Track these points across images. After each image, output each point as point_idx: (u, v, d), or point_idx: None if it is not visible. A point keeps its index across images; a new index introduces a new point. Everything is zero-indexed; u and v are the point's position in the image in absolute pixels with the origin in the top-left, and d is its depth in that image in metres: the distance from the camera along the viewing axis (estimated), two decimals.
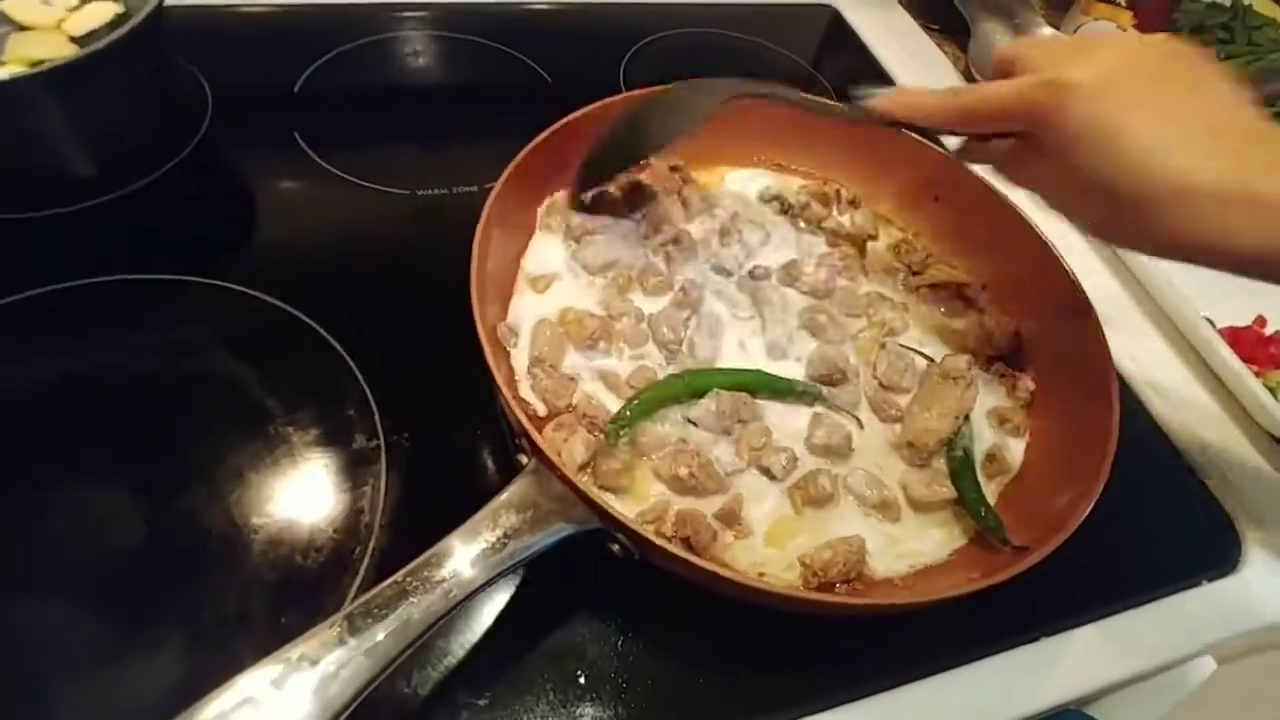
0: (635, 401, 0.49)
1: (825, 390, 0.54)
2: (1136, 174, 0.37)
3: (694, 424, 0.50)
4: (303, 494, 0.48)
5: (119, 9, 0.64)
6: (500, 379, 0.43)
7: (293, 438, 0.50)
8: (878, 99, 0.49)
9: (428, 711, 0.41)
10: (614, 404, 0.50)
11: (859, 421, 0.53)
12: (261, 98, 0.71)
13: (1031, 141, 0.43)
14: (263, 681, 0.30)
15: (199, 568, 0.44)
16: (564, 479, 0.39)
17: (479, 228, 0.49)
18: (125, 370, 0.52)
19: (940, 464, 0.52)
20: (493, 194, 0.51)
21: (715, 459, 0.48)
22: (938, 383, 0.54)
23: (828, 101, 0.59)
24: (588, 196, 0.59)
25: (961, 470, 0.50)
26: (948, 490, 0.49)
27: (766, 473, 0.49)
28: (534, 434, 0.40)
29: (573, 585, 0.47)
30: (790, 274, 0.60)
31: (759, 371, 0.53)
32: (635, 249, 0.59)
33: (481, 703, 0.42)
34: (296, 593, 0.44)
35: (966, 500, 0.49)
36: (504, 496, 0.38)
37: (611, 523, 0.39)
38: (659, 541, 0.38)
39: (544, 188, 0.60)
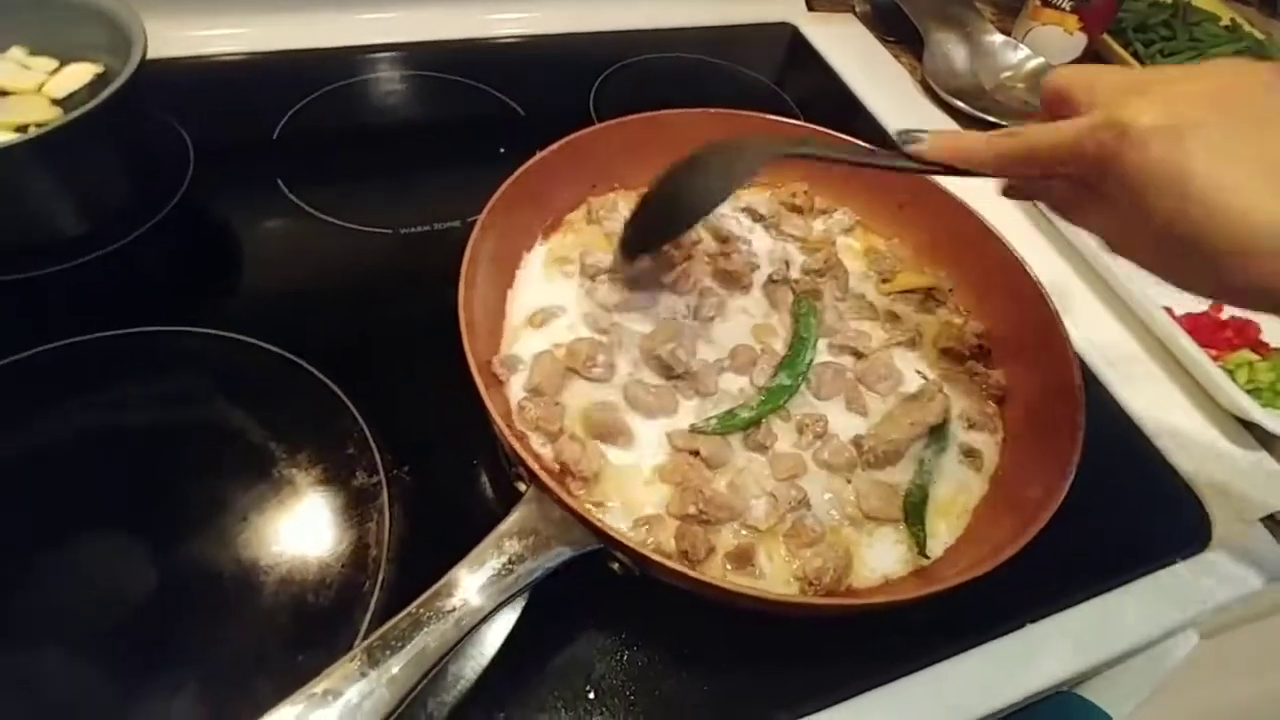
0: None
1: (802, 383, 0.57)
2: (1210, 224, 0.34)
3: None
4: (309, 533, 0.49)
5: (98, 69, 0.65)
6: (494, 410, 0.45)
7: (295, 479, 0.51)
8: (927, 145, 0.45)
9: None
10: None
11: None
12: (242, 146, 0.73)
13: (1093, 186, 0.40)
14: (304, 709, 0.32)
15: (212, 613, 0.45)
16: (562, 503, 0.41)
17: (464, 263, 0.51)
18: (125, 424, 0.53)
19: (897, 476, 0.54)
20: (475, 230, 0.53)
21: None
22: (904, 399, 0.57)
23: (873, 148, 0.54)
24: (632, 267, 0.59)
25: (915, 504, 0.52)
26: (896, 513, 0.51)
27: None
28: (530, 461, 0.42)
29: (577, 603, 0.48)
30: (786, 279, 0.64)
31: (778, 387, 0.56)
32: (650, 288, 0.60)
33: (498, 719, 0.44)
34: (310, 631, 0.45)
35: (911, 530, 0.51)
36: (505, 524, 0.40)
37: (610, 542, 0.41)
38: (657, 558, 0.40)
39: (526, 220, 0.62)
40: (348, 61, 0.81)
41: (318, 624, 0.45)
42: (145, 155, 0.69)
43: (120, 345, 0.56)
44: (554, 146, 0.60)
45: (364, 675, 0.33)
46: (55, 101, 0.63)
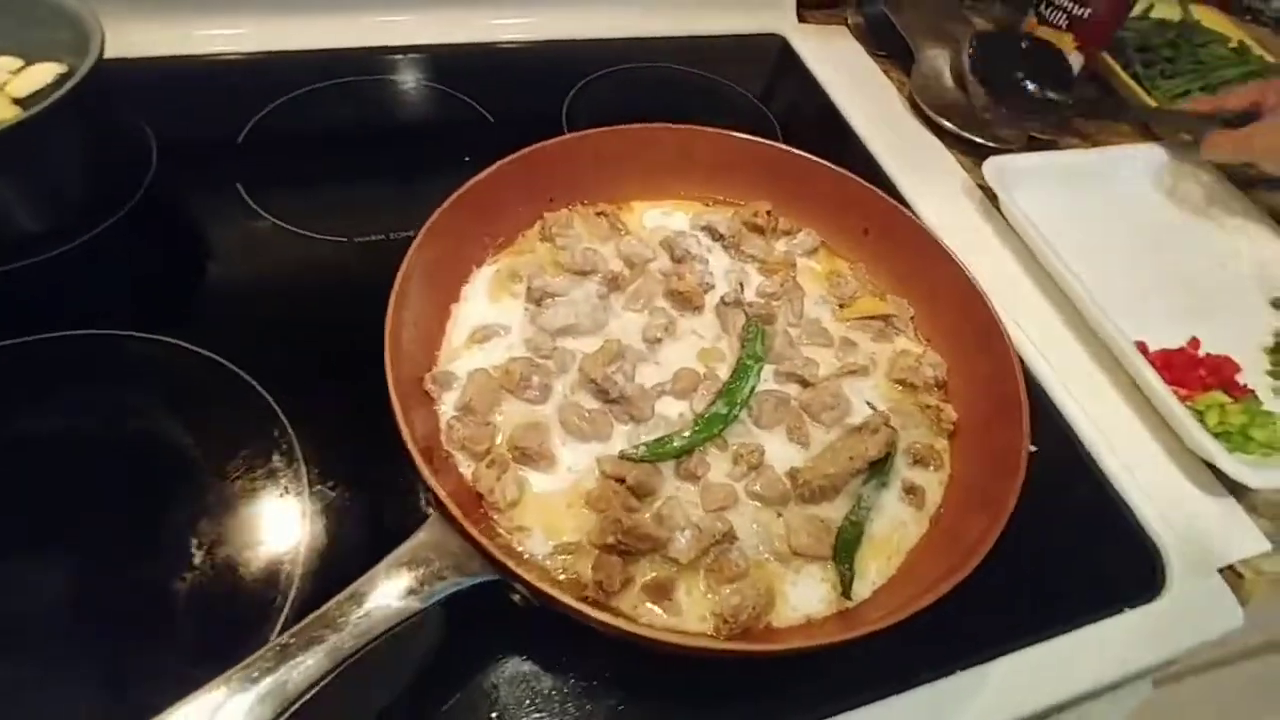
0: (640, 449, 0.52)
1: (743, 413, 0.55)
2: None
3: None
4: (226, 545, 0.49)
5: (62, 69, 0.65)
6: (411, 434, 0.44)
7: (219, 489, 0.51)
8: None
9: None
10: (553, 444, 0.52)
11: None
12: (206, 149, 0.73)
13: None
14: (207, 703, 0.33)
15: (118, 623, 0.45)
16: (462, 532, 0.40)
17: (398, 279, 0.51)
18: (55, 427, 0.53)
19: (831, 511, 0.52)
20: (413, 245, 0.53)
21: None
22: (848, 431, 0.55)
23: None
24: None
25: (847, 542, 0.50)
26: (825, 551, 0.50)
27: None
28: (436, 488, 0.42)
29: (491, 628, 0.48)
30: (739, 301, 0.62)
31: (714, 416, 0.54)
32: (596, 312, 0.59)
33: None
34: (215, 645, 0.45)
35: (838, 569, 0.50)
36: (399, 551, 0.40)
37: (507, 574, 0.40)
38: (553, 593, 0.39)
39: (475, 233, 0.61)
40: (318, 66, 0.81)
41: (223, 638, 0.45)
42: (106, 155, 0.69)
43: (61, 348, 0.56)
44: (505, 161, 0.59)
45: (216, 710, 0.32)
46: (17, 100, 0.64)
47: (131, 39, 0.71)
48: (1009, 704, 0.51)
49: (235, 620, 0.46)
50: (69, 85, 0.58)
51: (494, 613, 0.47)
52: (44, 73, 0.65)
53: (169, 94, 0.76)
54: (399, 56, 0.85)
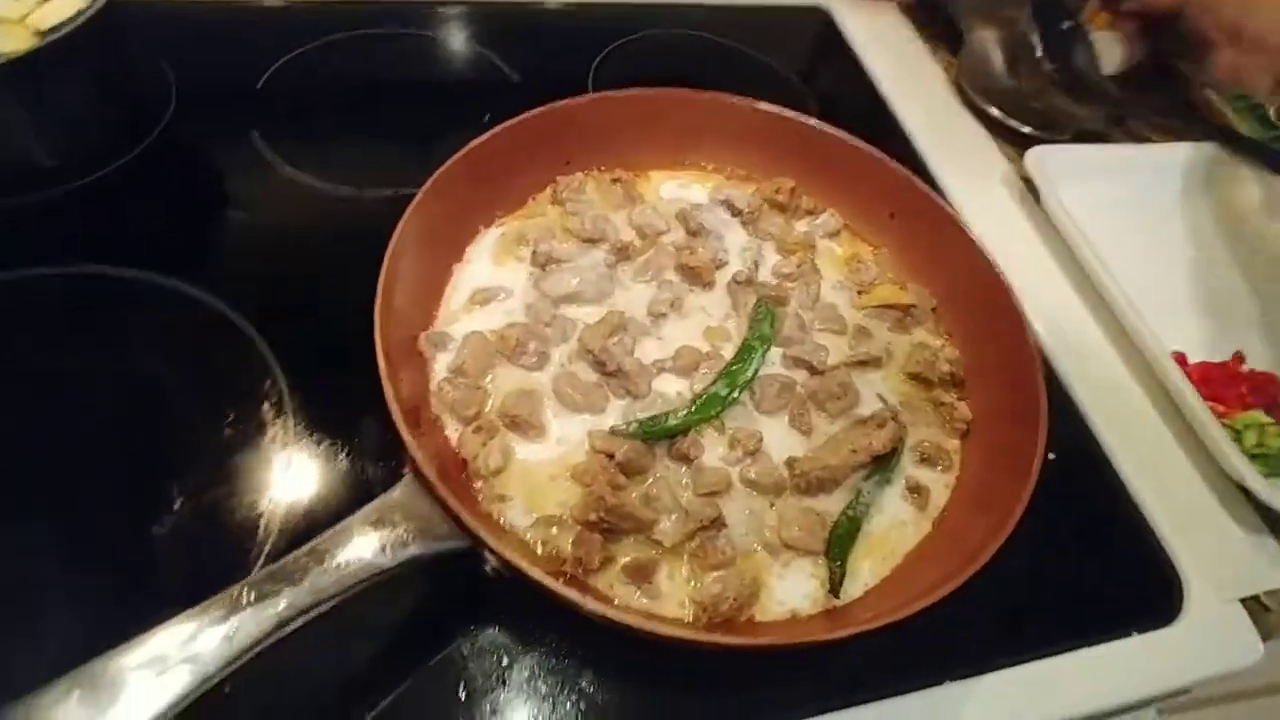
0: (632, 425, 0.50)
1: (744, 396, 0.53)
2: None
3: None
4: (209, 492, 0.48)
5: (84, 3, 0.65)
6: (395, 393, 0.43)
7: (206, 435, 0.51)
8: None
9: None
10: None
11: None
12: (225, 93, 0.72)
13: None
14: (176, 635, 0.33)
15: (95, 559, 0.46)
16: (435, 496, 0.39)
17: (394, 237, 0.49)
18: (52, 363, 0.53)
19: (828, 505, 0.50)
20: (411, 205, 0.51)
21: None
22: (853, 423, 0.53)
23: None
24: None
25: (841, 537, 0.48)
26: (818, 545, 0.48)
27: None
28: (413, 449, 0.40)
29: (465, 598, 0.47)
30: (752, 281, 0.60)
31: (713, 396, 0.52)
32: (602, 281, 0.57)
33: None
34: (189, 588, 0.44)
35: (829, 565, 0.47)
36: (364, 510, 0.39)
37: (479, 544, 0.39)
38: (523, 566, 0.38)
39: (484, 194, 0.59)
40: (342, 16, 0.80)
41: (198, 582, 0.44)
42: (124, 92, 0.69)
43: (65, 284, 0.56)
44: (512, 121, 0.57)
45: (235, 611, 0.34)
46: (40, 33, 0.63)
47: None
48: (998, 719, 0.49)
49: (212, 566, 0.46)
50: (86, 15, 0.58)
51: (473, 579, 0.46)
52: (68, 5, 0.64)
53: (191, 35, 0.75)
54: (426, 10, 0.83)
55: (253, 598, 0.35)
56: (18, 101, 0.59)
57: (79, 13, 0.64)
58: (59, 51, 0.56)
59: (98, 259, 0.58)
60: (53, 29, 0.63)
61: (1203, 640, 0.54)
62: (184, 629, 0.34)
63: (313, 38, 0.77)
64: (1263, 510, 0.59)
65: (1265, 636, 0.54)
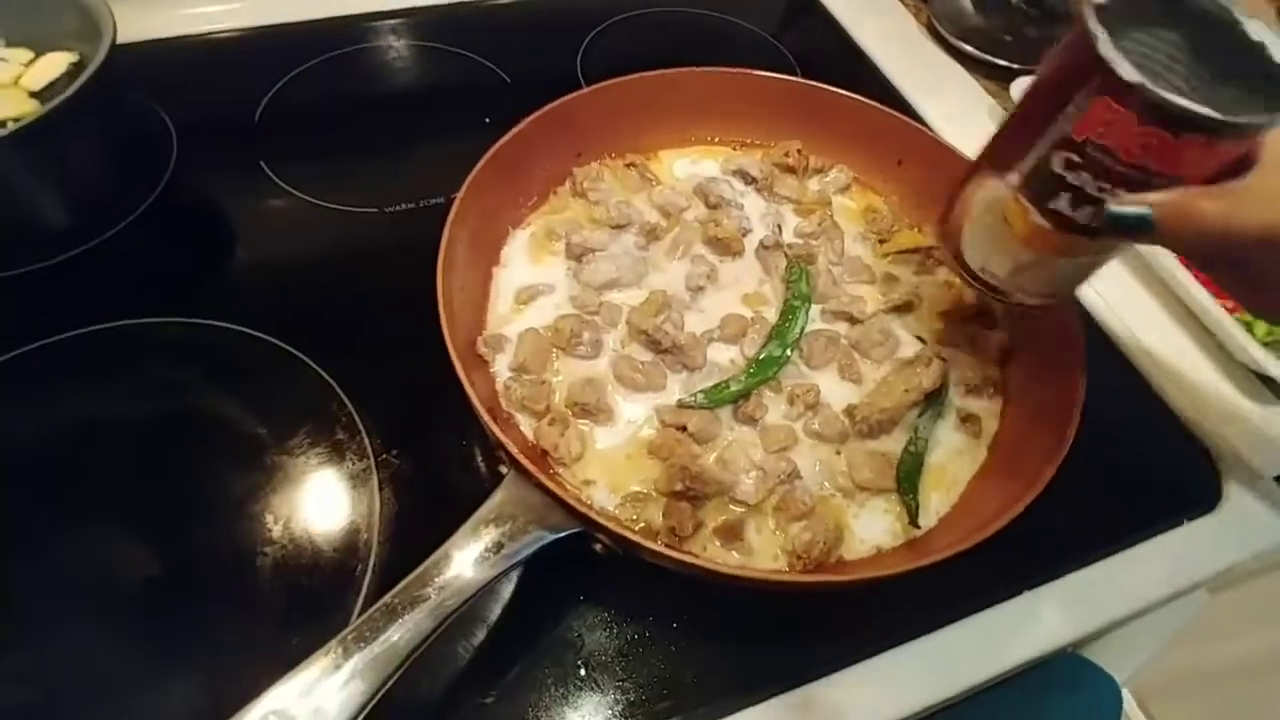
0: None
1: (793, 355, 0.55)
2: None
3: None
4: (300, 518, 0.50)
5: (73, 57, 0.64)
6: (476, 396, 0.45)
7: (285, 464, 0.52)
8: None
9: (439, 714, 0.44)
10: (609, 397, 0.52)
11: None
12: (224, 128, 0.72)
13: None
14: (285, 696, 0.33)
15: (207, 600, 0.47)
16: (541, 486, 0.41)
17: (442, 247, 0.50)
18: (118, 417, 0.54)
19: (890, 445, 0.53)
20: (452, 212, 0.52)
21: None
22: (900, 365, 0.55)
23: None
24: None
25: (909, 472, 0.51)
26: (889, 483, 0.50)
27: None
28: (510, 446, 0.42)
29: (567, 580, 0.49)
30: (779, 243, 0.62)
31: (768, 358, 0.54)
32: (637, 264, 0.59)
33: (488, 700, 0.44)
34: (303, 614, 0.46)
35: (903, 499, 0.50)
36: (483, 510, 0.40)
37: (589, 524, 0.41)
38: (635, 538, 0.40)
39: (509, 195, 0.61)
40: (327, 35, 0.79)
41: (310, 607, 0.46)
42: (127, 143, 0.68)
43: (108, 339, 0.57)
44: (530, 119, 0.58)
45: (337, 668, 0.33)
46: (33, 94, 0.63)
47: (140, 18, 0.69)
48: (1077, 619, 0.52)
49: (320, 588, 0.47)
50: (86, 75, 0.57)
51: (563, 567, 0.48)
52: (56, 63, 0.64)
53: (177, 76, 0.75)
54: (404, 20, 0.83)
55: (392, 613, 0.36)
56: (28, 167, 0.58)
57: (73, 67, 0.64)
58: (67, 111, 0.55)
59: (135, 312, 0.58)
60: (47, 88, 0.63)
61: (1244, 521, 0.57)
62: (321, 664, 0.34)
63: (297, 63, 0.77)
64: None
65: None
